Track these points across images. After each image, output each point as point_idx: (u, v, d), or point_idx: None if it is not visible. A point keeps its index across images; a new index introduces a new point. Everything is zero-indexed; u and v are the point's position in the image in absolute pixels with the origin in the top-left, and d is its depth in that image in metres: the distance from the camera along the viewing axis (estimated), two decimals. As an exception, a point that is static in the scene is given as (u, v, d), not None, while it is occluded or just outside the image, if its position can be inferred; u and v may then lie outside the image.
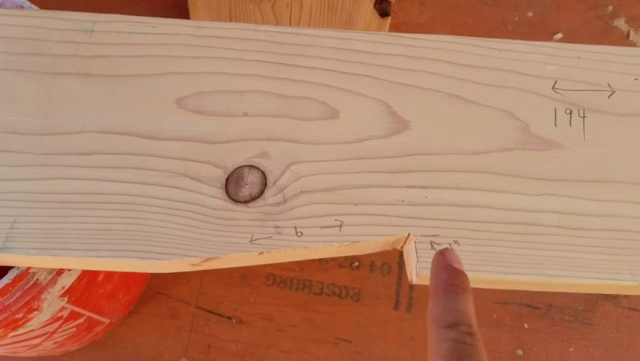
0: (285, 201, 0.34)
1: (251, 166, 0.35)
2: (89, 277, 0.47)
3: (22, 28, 0.37)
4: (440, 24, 0.79)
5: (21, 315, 0.40)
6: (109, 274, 0.51)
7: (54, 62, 0.37)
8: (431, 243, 0.34)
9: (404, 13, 0.79)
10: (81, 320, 0.53)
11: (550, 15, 0.80)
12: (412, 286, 0.67)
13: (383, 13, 0.68)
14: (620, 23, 0.80)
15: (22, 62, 0.37)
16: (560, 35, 0.79)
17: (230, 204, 0.34)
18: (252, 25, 0.38)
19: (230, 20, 0.71)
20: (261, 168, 0.35)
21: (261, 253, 0.34)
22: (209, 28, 0.38)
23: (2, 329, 0.40)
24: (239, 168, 0.35)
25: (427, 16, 0.79)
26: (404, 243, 0.35)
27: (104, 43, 0.37)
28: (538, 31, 0.79)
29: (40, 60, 0.37)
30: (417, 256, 0.33)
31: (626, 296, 0.68)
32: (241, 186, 0.35)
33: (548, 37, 0.79)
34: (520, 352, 0.65)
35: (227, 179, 0.35)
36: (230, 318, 0.65)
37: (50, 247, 0.33)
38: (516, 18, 0.80)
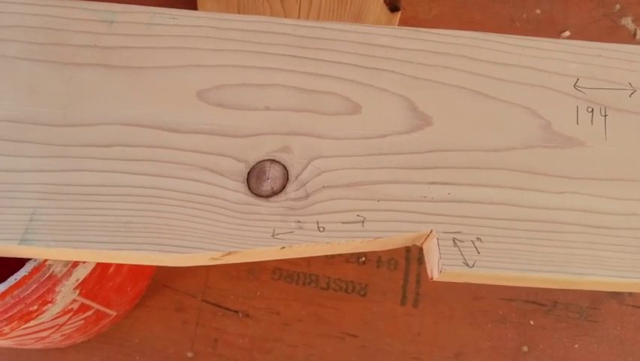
0: (307, 196, 0.34)
1: (272, 160, 0.35)
2: (100, 270, 0.46)
3: (41, 17, 0.37)
4: (448, 20, 0.79)
5: (35, 307, 0.40)
6: (119, 267, 0.51)
7: (74, 52, 0.36)
8: (454, 240, 0.34)
9: (412, 9, 0.79)
10: (89, 313, 0.53)
11: (558, 12, 0.80)
12: (418, 282, 0.67)
13: (393, 8, 0.68)
14: (627, 22, 0.80)
15: (41, 51, 0.36)
16: (567, 33, 0.79)
17: (251, 199, 0.34)
18: (275, 19, 0.38)
19: (240, 14, 0.70)
20: (283, 163, 0.35)
21: (283, 247, 0.33)
22: (230, 20, 0.37)
23: (16, 321, 0.40)
24: (260, 162, 0.35)
25: (435, 12, 0.79)
26: (425, 239, 0.35)
27: (125, 34, 0.37)
28: (546, 28, 0.79)
29: (60, 50, 0.36)
30: (439, 253, 0.33)
31: (630, 294, 0.68)
32: (263, 180, 0.35)
33: (556, 34, 0.79)
34: (525, 348, 0.65)
35: (248, 173, 0.35)
36: (236, 312, 0.65)
37: (71, 240, 0.33)
38: (524, 15, 0.80)
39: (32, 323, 0.43)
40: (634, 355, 0.65)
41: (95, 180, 0.34)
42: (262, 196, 0.34)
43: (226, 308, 0.65)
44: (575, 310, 0.67)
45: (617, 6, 0.81)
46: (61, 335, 0.54)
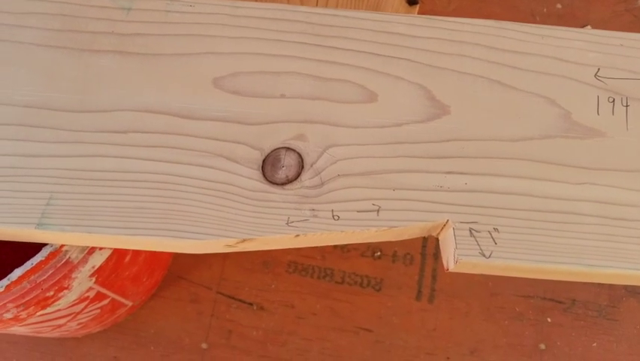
0: (322, 184, 0.34)
1: (288, 148, 0.35)
2: (116, 258, 0.47)
3: (58, 4, 0.37)
4: (467, 13, 0.78)
5: (52, 293, 0.40)
6: (135, 257, 0.51)
7: (91, 39, 0.36)
8: (470, 230, 0.33)
9: (431, 2, 0.78)
10: (106, 302, 0.53)
11: (580, 7, 0.79)
12: (434, 277, 0.66)
13: (411, 1, 0.68)
14: (651, 16, 0.79)
15: (58, 38, 0.36)
16: (588, 27, 0.77)
17: (266, 186, 0.34)
18: (290, 6, 0.37)
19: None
20: (298, 151, 0.35)
21: (297, 235, 0.33)
22: (246, 8, 0.37)
23: (33, 307, 0.40)
24: (276, 149, 0.35)
25: (454, 5, 0.78)
26: (441, 229, 0.34)
27: (141, 21, 0.37)
28: (566, 23, 0.78)
29: (76, 37, 0.36)
30: (455, 243, 0.33)
31: (651, 293, 0.67)
32: (278, 168, 0.34)
33: (577, 29, 0.78)
34: (542, 346, 0.64)
35: (263, 160, 0.35)
36: (251, 304, 0.65)
37: (86, 224, 0.33)
38: (545, 9, 0.79)
39: (49, 309, 0.44)
40: (654, 354, 0.64)
41: (110, 165, 0.34)
42: (277, 184, 0.34)
43: (241, 300, 0.65)
44: (593, 308, 0.66)
45: (640, 0, 0.79)
46: (78, 324, 0.54)
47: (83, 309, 0.50)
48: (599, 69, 0.37)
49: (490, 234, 0.33)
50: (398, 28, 0.38)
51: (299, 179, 0.34)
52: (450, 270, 0.34)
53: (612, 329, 0.65)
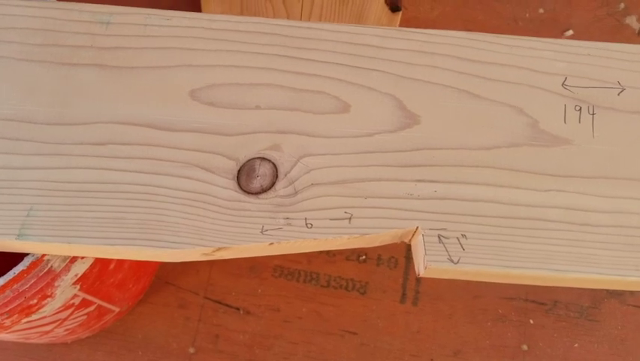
0: (296, 193, 0.35)
1: (262, 158, 0.36)
2: (100, 266, 0.47)
3: (40, 19, 0.38)
4: (451, 19, 0.79)
5: (35, 301, 0.41)
6: (120, 264, 0.52)
7: (71, 53, 0.37)
8: (439, 236, 0.34)
9: (414, 8, 0.79)
10: (92, 308, 0.54)
11: (562, 12, 0.80)
12: (418, 280, 0.67)
13: (394, 8, 0.69)
14: (632, 21, 0.80)
15: (39, 52, 0.37)
16: (570, 32, 0.79)
17: (241, 195, 0.35)
18: (265, 20, 0.38)
19: (242, 14, 0.71)
20: (273, 161, 0.36)
21: (271, 243, 0.34)
22: (222, 21, 0.38)
23: (16, 315, 0.41)
24: (251, 160, 0.36)
25: (437, 12, 0.79)
26: (412, 236, 0.35)
27: (120, 35, 0.38)
28: (548, 27, 0.79)
29: (57, 51, 0.37)
30: (425, 250, 0.34)
31: (632, 293, 0.68)
32: (252, 177, 0.35)
33: (559, 34, 0.79)
34: (525, 347, 0.65)
35: (239, 170, 0.36)
36: (238, 309, 0.66)
37: (65, 235, 0.34)
38: (527, 14, 0.80)
39: (33, 316, 0.44)
40: (634, 355, 0.65)
41: (89, 177, 0.35)
42: (252, 193, 0.35)
43: (227, 305, 0.66)
44: (575, 309, 0.67)
45: (622, 5, 0.81)
46: (65, 330, 0.55)
47: (69, 316, 0.51)
48: (566, 78, 0.38)
49: (459, 240, 0.34)
50: (372, 41, 0.38)
51: (273, 188, 0.35)
52: (421, 275, 0.35)
53: (593, 329, 0.66)
